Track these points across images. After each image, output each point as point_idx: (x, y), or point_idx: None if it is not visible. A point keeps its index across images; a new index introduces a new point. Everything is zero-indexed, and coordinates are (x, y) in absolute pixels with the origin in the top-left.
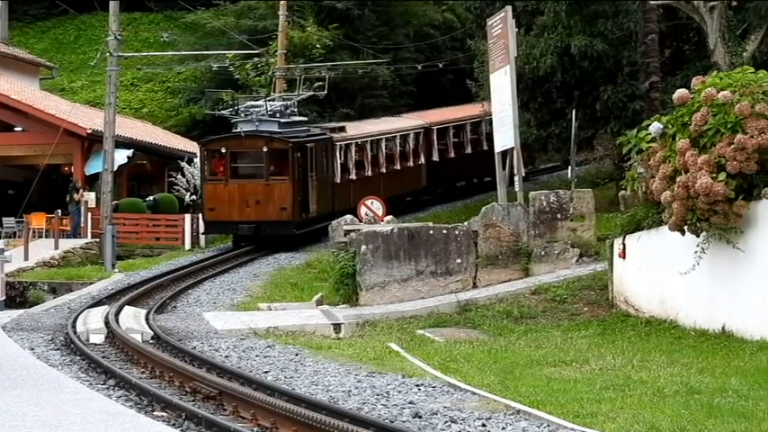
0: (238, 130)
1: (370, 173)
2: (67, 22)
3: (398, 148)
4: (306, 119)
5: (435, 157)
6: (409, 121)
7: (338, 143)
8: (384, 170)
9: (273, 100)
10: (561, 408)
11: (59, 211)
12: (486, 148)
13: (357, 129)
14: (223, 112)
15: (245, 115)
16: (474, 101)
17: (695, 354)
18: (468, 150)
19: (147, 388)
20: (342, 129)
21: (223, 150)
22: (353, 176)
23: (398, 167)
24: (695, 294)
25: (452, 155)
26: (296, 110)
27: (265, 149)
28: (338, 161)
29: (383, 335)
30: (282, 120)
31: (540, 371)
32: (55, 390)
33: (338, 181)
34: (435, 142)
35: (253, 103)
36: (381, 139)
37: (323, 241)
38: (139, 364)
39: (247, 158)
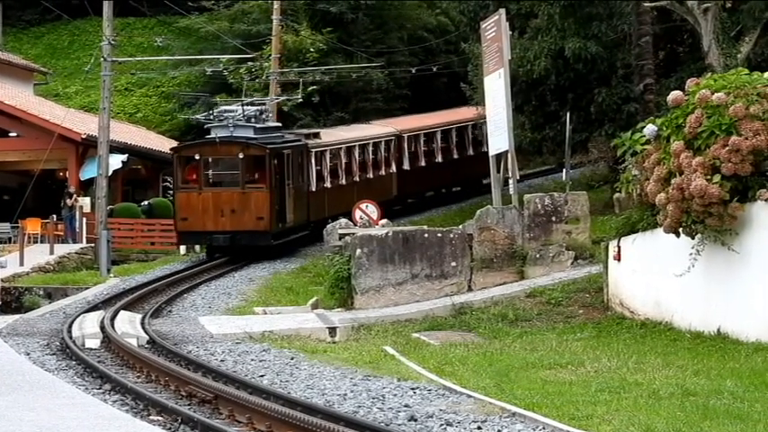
0: (212, 135)
1: (344, 181)
2: (61, 28)
3: (371, 156)
4: (280, 124)
5: (406, 166)
6: (380, 128)
7: (313, 150)
8: (357, 179)
9: (248, 104)
10: (557, 410)
11: (54, 216)
12: (456, 156)
13: (331, 135)
14: (197, 116)
15: (219, 120)
16: (468, 104)
17: (690, 356)
18: (439, 159)
19: (142, 392)
20: (316, 135)
21: (197, 157)
22: (328, 185)
23: (371, 176)
24: (690, 296)
25: (423, 163)
26: (271, 114)
27: (241, 156)
28: (313, 169)
29: (378, 338)
30: (258, 125)
31: (535, 373)
32: (51, 394)
33: (313, 189)
34: (406, 150)
35: (227, 107)
36: (355, 146)
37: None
38: (135, 369)
39: (222, 165)
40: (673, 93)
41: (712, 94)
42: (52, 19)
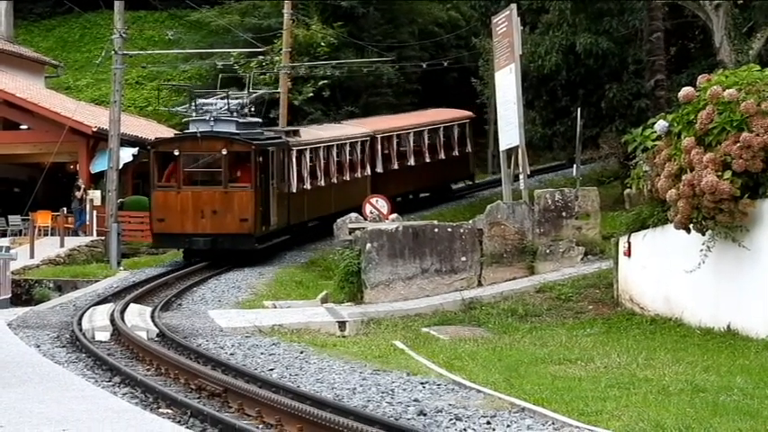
0: (193, 130)
1: (323, 183)
2: (72, 21)
3: (347, 158)
4: (260, 120)
5: (379, 169)
6: (354, 128)
7: (294, 149)
8: (335, 180)
9: (224, 98)
10: (566, 406)
11: (65, 209)
12: (428, 160)
13: (310, 134)
14: (177, 108)
15: (198, 114)
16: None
17: (700, 352)
18: (412, 162)
19: (152, 385)
20: (296, 133)
21: (176, 153)
22: (308, 186)
23: (347, 178)
24: (700, 293)
25: (396, 166)
26: (253, 109)
27: (224, 152)
28: (294, 168)
29: (388, 333)
30: (240, 120)
31: (544, 369)
32: (60, 387)
33: (294, 191)
34: (380, 152)
35: (204, 101)
36: (333, 146)
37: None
38: (145, 362)
39: (204, 162)
40: (684, 89)
41: (723, 90)
42: (63, 12)
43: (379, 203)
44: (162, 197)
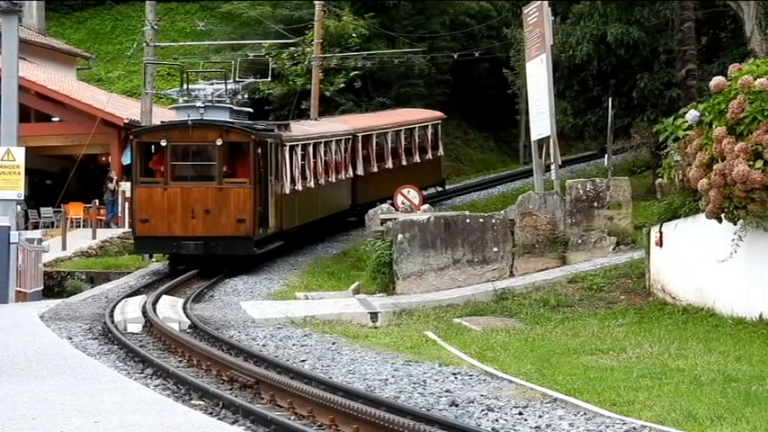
0: (185, 118)
1: (312, 184)
2: (104, 13)
3: (333, 157)
4: (251, 110)
5: (360, 171)
6: (334, 125)
7: (287, 144)
8: (323, 182)
9: (227, 79)
10: (598, 396)
11: (97, 201)
12: (405, 163)
13: (299, 129)
14: (169, 91)
15: (186, 100)
16: (511, 88)
17: (732, 342)
18: (389, 165)
19: (184, 377)
20: (287, 126)
21: (163, 143)
22: (299, 187)
23: (333, 180)
24: (732, 282)
25: (375, 169)
26: (246, 97)
27: (219, 143)
28: (287, 166)
29: (420, 323)
30: (235, 107)
31: (576, 359)
32: (92, 379)
33: (287, 192)
34: (360, 153)
35: (192, 86)
36: (320, 143)
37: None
38: (177, 353)
39: (195, 154)
40: (715, 78)
41: (755, 79)
42: (95, 4)
43: (411, 194)
44: (146, 194)
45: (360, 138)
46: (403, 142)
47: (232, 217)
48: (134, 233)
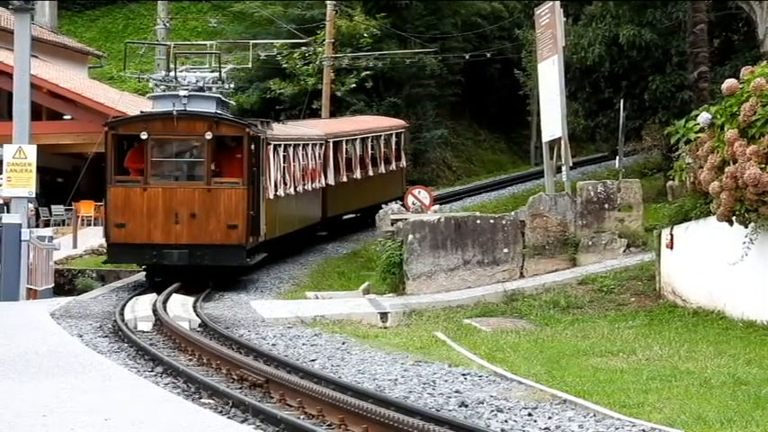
0: (169, 108)
1: (292, 191)
2: (116, 11)
3: (309, 163)
4: (233, 102)
5: (331, 181)
6: (308, 129)
7: (272, 143)
8: (300, 189)
9: (216, 66)
10: (607, 398)
11: None
12: (382, 171)
13: (279, 129)
14: (152, 76)
15: (167, 89)
16: (522, 89)
17: (743, 345)
18: (357, 176)
19: (194, 375)
20: (268, 124)
21: (143, 136)
22: (281, 192)
23: (309, 188)
24: (743, 285)
25: (345, 179)
26: (233, 85)
27: (209, 137)
28: (271, 168)
29: (430, 324)
30: (224, 98)
31: (586, 361)
32: (103, 377)
33: (270, 197)
34: (331, 160)
35: (172, 74)
36: (299, 145)
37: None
38: (187, 352)
39: (180, 150)
40: (727, 81)
41: (767, 82)
42: (107, 2)
43: (422, 195)
44: (122, 195)
45: (331, 144)
46: (370, 151)
47: (222, 222)
48: (107, 239)
